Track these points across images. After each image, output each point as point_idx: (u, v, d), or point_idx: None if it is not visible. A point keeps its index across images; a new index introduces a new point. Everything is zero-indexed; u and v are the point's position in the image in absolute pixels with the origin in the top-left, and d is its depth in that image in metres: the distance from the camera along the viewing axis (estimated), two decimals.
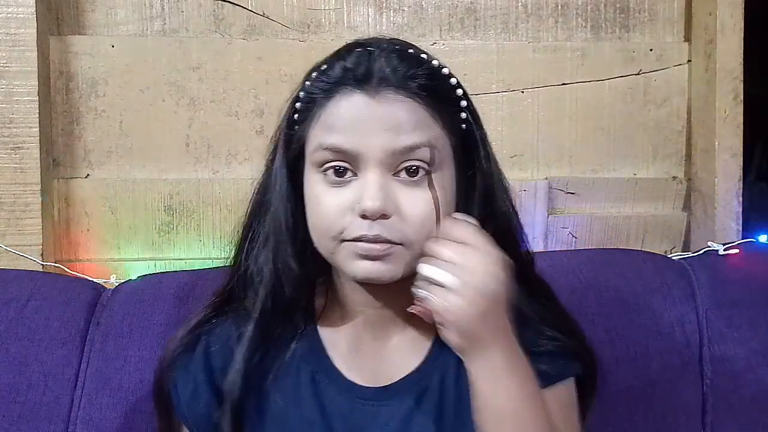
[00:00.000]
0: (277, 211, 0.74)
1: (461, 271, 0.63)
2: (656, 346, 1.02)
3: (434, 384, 0.74)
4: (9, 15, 1.17)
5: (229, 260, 0.80)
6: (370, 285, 0.73)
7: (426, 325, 0.73)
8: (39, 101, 1.18)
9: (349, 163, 0.68)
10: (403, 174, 0.68)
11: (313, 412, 0.74)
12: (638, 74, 1.32)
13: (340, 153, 0.68)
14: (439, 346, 0.74)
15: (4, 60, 1.17)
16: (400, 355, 0.76)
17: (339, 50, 0.73)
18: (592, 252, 1.19)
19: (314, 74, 0.73)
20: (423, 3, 1.31)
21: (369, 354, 0.76)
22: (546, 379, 0.72)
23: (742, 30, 1.26)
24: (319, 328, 0.77)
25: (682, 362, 1.03)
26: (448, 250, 0.63)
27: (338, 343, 0.77)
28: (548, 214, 1.30)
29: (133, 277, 1.12)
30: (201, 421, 0.76)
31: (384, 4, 1.30)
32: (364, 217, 0.67)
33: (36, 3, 1.17)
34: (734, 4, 1.26)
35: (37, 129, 1.18)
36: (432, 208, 0.69)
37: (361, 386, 0.74)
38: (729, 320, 1.04)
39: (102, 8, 1.26)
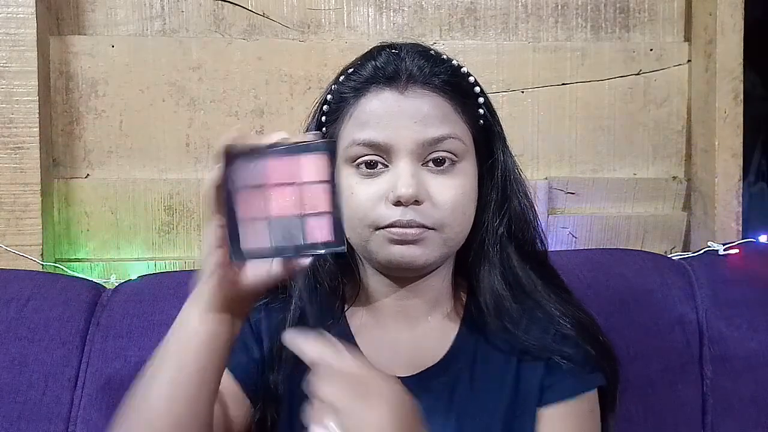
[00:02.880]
0: None
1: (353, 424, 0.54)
2: (656, 346, 1.02)
3: (462, 371, 0.76)
4: (9, 15, 1.17)
5: None
6: (396, 277, 0.77)
7: (451, 313, 0.79)
8: (39, 101, 1.18)
9: (381, 155, 0.72)
10: (431, 164, 0.73)
11: None
12: (638, 74, 1.32)
13: (374, 147, 0.72)
14: (466, 332, 0.78)
15: (4, 60, 1.17)
16: (421, 348, 0.78)
17: (366, 53, 0.78)
18: (592, 252, 1.19)
19: (342, 77, 0.77)
20: (423, 3, 1.31)
21: (392, 344, 0.79)
22: (567, 393, 0.75)
23: (742, 30, 1.26)
24: (347, 316, 0.80)
25: (682, 362, 1.03)
26: (335, 398, 0.55)
27: (365, 331, 0.80)
28: (548, 214, 1.30)
29: (133, 277, 1.12)
30: (242, 366, 0.78)
31: (384, 4, 1.30)
32: (398, 203, 0.70)
33: (36, 3, 1.17)
34: (734, 4, 1.26)
35: (37, 129, 1.18)
36: (462, 194, 0.73)
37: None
38: (729, 320, 1.04)
39: (102, 8, 1.26)
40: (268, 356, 0.78)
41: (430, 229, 0.71)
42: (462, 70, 0.77)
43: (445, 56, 0.77)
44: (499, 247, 0.78)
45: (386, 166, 0.72)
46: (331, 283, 0.79)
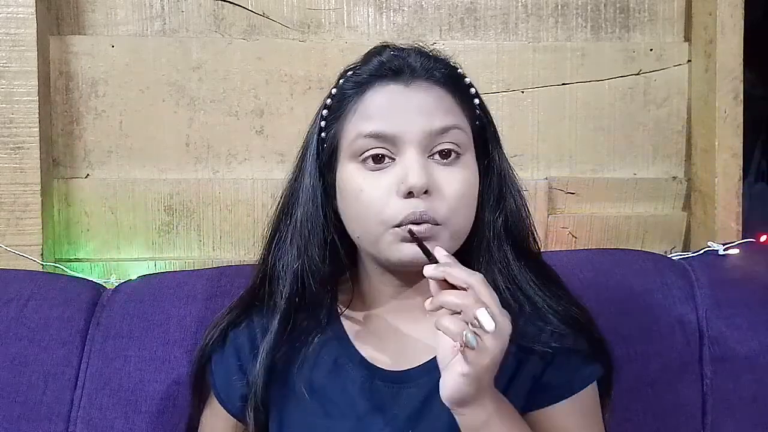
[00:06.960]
0: (308, 210, 0.79)
1: (498, 319, 0.64)
2: (656, 346, 1.02)
3: None
4: (9, 15, 1.17)
5: (257, 259, 0.86)
6: (402, 273, 0.78)
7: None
8: (39, 101, 1.18)
9: (388, 148, 0.73)
10: (437, 156, 0.74)
11: (336, 395, 0.78)
12: (638, 74, 1.32)
13: (381, 138, 0.73)
14: None
15: (4, 60, 1.17)
16: (422, 342, 0.79)
17: (368, 53, 0.80)
18: (592, 252, 1.19)
19: (342, 80, 0.78)
20: (423, 3, 1.31)
21: (391, 340, 0.80)
22: (569, 390, 0.77)
23: (742, 30, 1.26)
24: (343, 320, 0.82)
25: (682, 362, 1.03)
26: (491, 300, 0.65)
27: (361, 332, 0.81)
28: (548, 214, 1.30)
29: (133, 277, 1.12)
30: (237, 406, 0.82)
31: (384, 4, 1.30)
32: (409, 194, 0.71)
33: (36, 3, 1.17)
34: (734, 4, 1.26)
35: (37, 129, 1.18)
36: (468, 187, 0.75)
37: (382, 369, 0.79)
38: (729, 320, 1.04)
39: (102, 8, 1.26)
40: (256, 373, 0.79)
41: (438, 225, 0.72)
42: (459, 71, 0.80)
43: (442, 57, 0.80)
44: (496, 243, 0.79)
45: (393, 159, 0.73)
46: (319, 290, 0.79)
